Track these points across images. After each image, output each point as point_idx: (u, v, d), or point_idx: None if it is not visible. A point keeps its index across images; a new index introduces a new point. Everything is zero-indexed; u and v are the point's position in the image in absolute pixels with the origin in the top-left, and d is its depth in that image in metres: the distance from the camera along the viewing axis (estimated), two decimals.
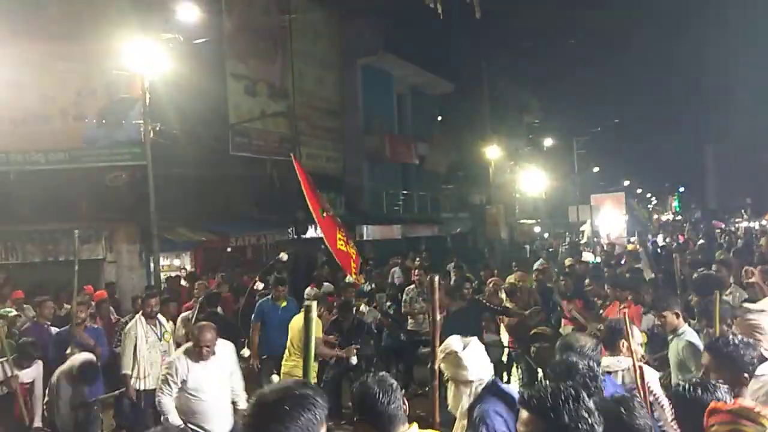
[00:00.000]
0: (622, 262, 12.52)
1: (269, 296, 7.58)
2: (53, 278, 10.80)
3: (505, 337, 9.44)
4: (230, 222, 14.94)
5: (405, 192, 24.41)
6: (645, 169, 65.50)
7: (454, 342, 3.04)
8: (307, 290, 10.04)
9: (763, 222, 32.62)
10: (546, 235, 31.78)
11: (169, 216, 12.83)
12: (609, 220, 23.63)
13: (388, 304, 9.45)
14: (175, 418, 4.73)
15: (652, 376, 3.51)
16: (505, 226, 27.79)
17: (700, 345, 4.30)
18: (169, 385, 4.78)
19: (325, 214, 8.33)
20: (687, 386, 2.59)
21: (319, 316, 6.87)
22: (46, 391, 5.83)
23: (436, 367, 2.86)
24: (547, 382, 2.70)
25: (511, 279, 9.98)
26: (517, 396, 2.98)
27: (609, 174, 51.30)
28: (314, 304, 1.92)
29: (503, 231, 27.13)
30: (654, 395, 3.26)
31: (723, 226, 30.99)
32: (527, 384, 7.54)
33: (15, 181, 12.82)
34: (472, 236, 29.07)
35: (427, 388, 3.25)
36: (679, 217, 54.02)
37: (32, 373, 5.80)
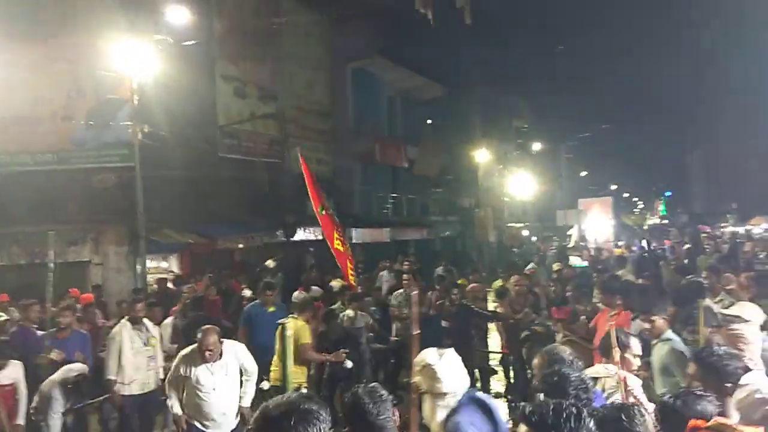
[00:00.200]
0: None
1: (257, 301, 7.54)
2: (39, 281, 10.66)
3: (493, 343, 9.47)
4: (219, 224, 14.86)
5: (394, 195, 24.43)
6: (632, 174, 65.93)
7: (429, 354, 3.01)
8: (295, 294, 9.98)
9: (748, 227, 33.00)
10: (534, 238, 31.93)
11: (156, 218, 12.75)
12: (596, 224, 23.82)
13: (372, 308, 9.42)
14: (178, 410, 5.14)
15: (635, 384, 3.55)
16: (494, 229, 27.88)
17: (685, 351, 4.34)
18: (172, 384, 5.19)
19: (324, 212, 8.35)
20: (671, 397, 2.61)
21: (307, 322, 6.85)
22: (35, 397, 5.77)
23: (413, 380, 2.86)
24: (541, 395, 2.70)
25: (498, 284, 10.02)
26: (493, 406, 2.99)
27: (597, 178, 51.63)
28: (290, 322, 1.93)
29: (492, 234, 27.21)
30: (638, 402, 3.29)
31: (709, 230, 31.30)
32: (519, 389, 7.56)
33: (1, 183, 12.68)
34: (461, 239, 29.14)
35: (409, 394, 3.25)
36: (666, 221, 54.47)
37: (10, 374, 5.71)
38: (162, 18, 12.82)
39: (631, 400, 3.18)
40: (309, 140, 20.19)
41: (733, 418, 2.80)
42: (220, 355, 5.03)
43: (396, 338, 8.71)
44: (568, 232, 25.63)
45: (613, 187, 55.06)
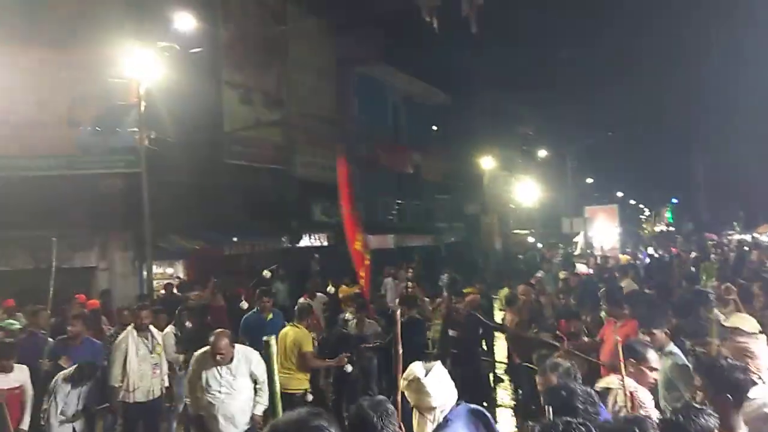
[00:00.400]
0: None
1: (255, 309, 7.54)
2: (45, 286, 10.69)
3: (498, 354, 9.43)
4: (224, 230, 14.88)
5: (399, 201, 24.42)
6: (638, 181, 65.65)
7: (416, 368, 2.96)
8: (300, 300, 10.00)
9: (755, 234, 32.82)
10: (540, 245, 31.84)
11: (163, 224, 12.77)
12: (602, 232, 23.71)
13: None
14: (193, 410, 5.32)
15: (646, 398, 3.51)
16: (499, 236, 27.85)
17: (688, 364, 4.31)
18: (189, 384, 5.36)
19: (351, 212, 8.44)
20: (673, 413, 2.59)
21: (307, 328, 6.89)
22: (44, 398, 5.78)
23: (398, 398, 2.83)
24: (549, 409, 2.67)
25: (505, 292, 9.98)
26: (488, 418, 2.95)
27: (602, 185, 51.46)
28: (272, 338, 1.92)
29: (497, 241, 27.19)
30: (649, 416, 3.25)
31: (716, 238, 31.14)
32: (526, 399, 7.52)
33: (7, 187, 12.72)
34: (466, 246, 29.09)
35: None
36: (672, 229, 54.20)
37: (17, 378, 5.73)
38: (169, 25, 12.89)
39: (642, 413, 3.15)
40: (314, 146, 20.22)
41: (741, 431, 2.77)
42: (231, 359, 5.13)
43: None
44: (574, 240, 25.53)
45: (620, 194, 54.85)
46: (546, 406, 2.73)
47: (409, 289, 9.37)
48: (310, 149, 19.92)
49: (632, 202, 61.42)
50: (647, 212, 69.49)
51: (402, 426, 2.32)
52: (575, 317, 6.93)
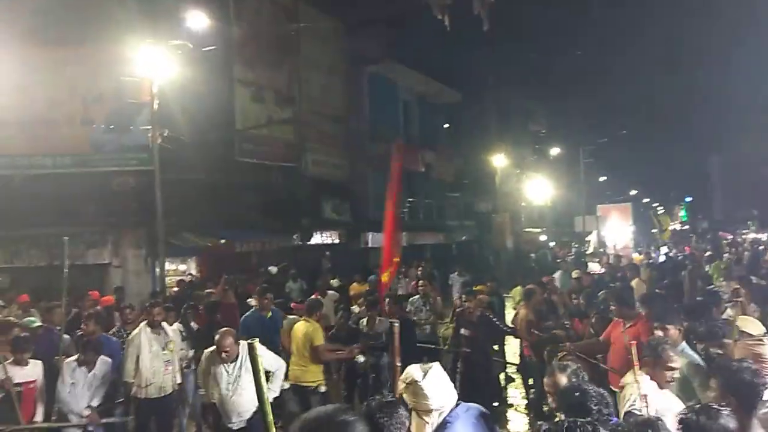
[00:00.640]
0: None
1: (254, 308, 7.56)
2: (59, 282, 10.78)
3: (510, 350, 9.38)
4: (236, 228, 14.94)
5: (410, 200, 24.37)
6: (652, 179, 65.08)
7: (414, 371, 2.94)
8: (311, 298, 10.01)
9: None
10: (552, 244, 31.68)
11: (175, 221, 12.85)
12: (615, 230, 23.53)
13: None
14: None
15: (660, 400, 3.45)
16: (511, 234, 27.73)
17: (702, 364, 4.26)
18: (202, 379, 5.58)
19: (394, 211, 8.51)
20: (691, 414, 2.56)
21: (318, 321, 6.97)
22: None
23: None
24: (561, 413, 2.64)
25: (518, 291, 9.93)
26: (483, 417, 2.93)
27: (616, 183, 51.07)
28: (256, 341, 1.93)
29: (509, 239, 27.06)
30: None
31: (730, 237, 30.83)
32: (538, 398, 7.49)
33: (21, 185, 12.86)
34: (477, 244, 29.01)
35: None
36: (686, 227, 53.73)
37: (33, 372, 5.79)
38: (181, 23, 12.95)
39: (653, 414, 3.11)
40: (325, 145, 20.26)
41: None
42: (237, 356, 5.26)
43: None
44: (587, 238, 25.38)
45: (633, 192, 54.46)
46: (558, 409, 2.70)
47: (421, 288, 9.33)
48: (321, 147, 19.96)
49: (646, 200, 60.93)
50: (661, 210, 68.96)
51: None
52: (587, 317, 6.86)
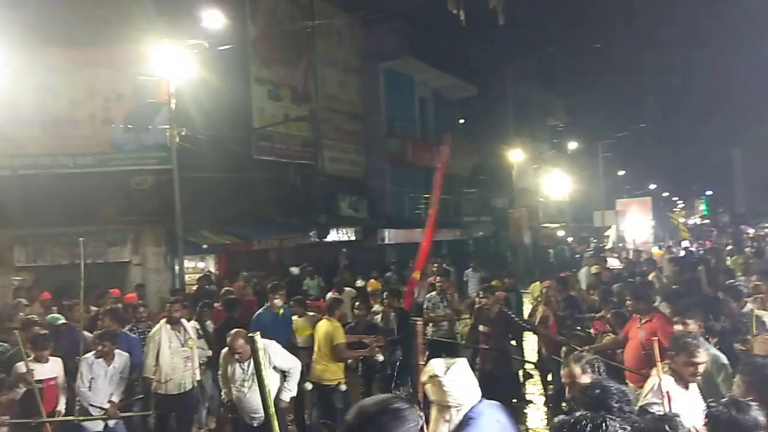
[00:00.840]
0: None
1: (266, 305, 7.60)
2: (80, 280, 10.94)
3: (528, 346, 9.33)
4: (253, 225, 15.05)
5: (427, 195, 24.31)
6: (672, 173, 64.29)
7: (436, 365, 2.91)
8: (328, 295, 10.06)
9: None
10: (570, 239, 31.42)
11: (193, 219, 12.97)
12: (635, 225, 23.26)
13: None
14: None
15: (681, 397, 3.41)
16: (528, 230, 27.54)
17: (722, 356, 4.21)
18: (221, 378, 5.71)
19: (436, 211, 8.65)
20: (720, 407, 2.52)
21: (338, 320, 7.03)
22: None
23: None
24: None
25: (536, 286, 9.87)
26: (506, 417, 2.91)
27: (635, 177, 50.46)
28: (257, 335, 1.98)
29: (526, 235, 26.89)
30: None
31: (752, 231, 30.30)
32: (556, 395, 7.46)
33: (43, 184, 13.07)
34: (494, 240, 28.87)
35: None
36: (707, 221, 52.98)
37: (53, 369, 5.90)
38: (198, 23, 13.04)
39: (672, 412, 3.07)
40: (341, 142, 20.29)
41: None
42: (250, 355, 5.18)
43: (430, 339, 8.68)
44: (606, 233, 25.13)
45: (652, 186, 53.82)
46: (578, 406, 2.67)
47: (438, 284, 9.31)
48: (337, 144, 20.00)
49: (665, 194, 60.20)
50: (681, 204, 68.02)
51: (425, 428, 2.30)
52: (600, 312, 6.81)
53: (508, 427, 2.87)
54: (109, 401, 5.91)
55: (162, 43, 11.70)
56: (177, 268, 12.51)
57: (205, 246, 13.23)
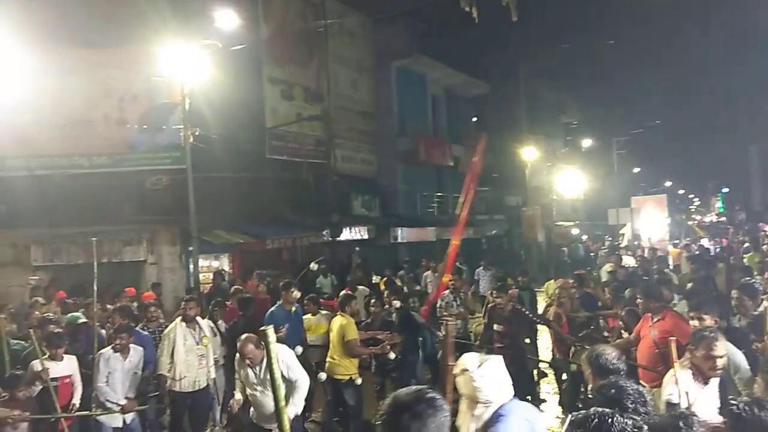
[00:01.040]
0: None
1: (279, 303, 7.63)
2: (97, 280, 11.05)
3: (542, 344, 9.28)
4: (267, 224, 15.11)
5: (439, 194, 24.28)
6: (687, 170, 63.67)
7: (469, 360, 2.90)
8: (342, 294, 10.07)
9: None
10: (584, 237, 31.19)
11: (208, 218, 13.03)
12: (650, 222, 23.04)
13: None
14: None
15: (699, 394, 3.37)
16: (542, 228, 27.38)
17: (738, 354, 4.16)
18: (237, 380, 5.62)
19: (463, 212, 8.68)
20: (743, 405, 2.49)
21: (352, 315, 7.08)
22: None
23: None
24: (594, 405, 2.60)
25: (551, 284, 9.82)
26: (535, 417, 2.89)
27: (650, 175, 50.09)
28: (270, 328, 2.02)
29: (540, 233, 26.73)
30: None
31: None
32: (570, 393, 7.41)
33: (59, 185, 13.21)
34: (508, 238, 28.75)
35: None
36: (723, 219, 52.40)
37: (68, 367, 5.98)
38: (211, 23, 13.11)
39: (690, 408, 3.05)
40: (353, 140, 20.32)
41: None
42: (262, 359, 5.16)
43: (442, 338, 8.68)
44: (621, 231, 24.91)
45: (668, 183, 53.35)
46: (593, 405, 2.65)
47: (451, 282, 9.29)
48: (350, 143, 20.02)
49: (681, 191, 59.61)
50: (696, 202, 67.32)
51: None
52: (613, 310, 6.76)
53: (537, 427, 2.85)
54: (126, 397, 5.98)
55: (176, 44, 11.77)
56: (191, 267, 12.60)
57: (224, 241, 13.31)
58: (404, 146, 21.97)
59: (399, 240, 19.87)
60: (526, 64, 28.68)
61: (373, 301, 8.10)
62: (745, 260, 12.56)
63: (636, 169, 45.40)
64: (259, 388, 5.25)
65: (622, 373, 3.28)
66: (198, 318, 6.74)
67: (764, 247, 16.31)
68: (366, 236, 18.79)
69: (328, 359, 6.88)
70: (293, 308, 7.53)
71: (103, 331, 7.14)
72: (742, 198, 63.05)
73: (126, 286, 10.47)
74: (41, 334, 6.13)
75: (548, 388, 8.86)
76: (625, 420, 1.90)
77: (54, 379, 5.68)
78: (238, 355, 5.51)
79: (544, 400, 8.41)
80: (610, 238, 27.97)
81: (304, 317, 7.73)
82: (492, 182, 27.82)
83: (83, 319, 7.32)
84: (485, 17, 10.32)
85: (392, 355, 7.16)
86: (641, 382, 4.79)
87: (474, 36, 21.10)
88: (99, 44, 13.15)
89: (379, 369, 7.86)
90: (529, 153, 26.26)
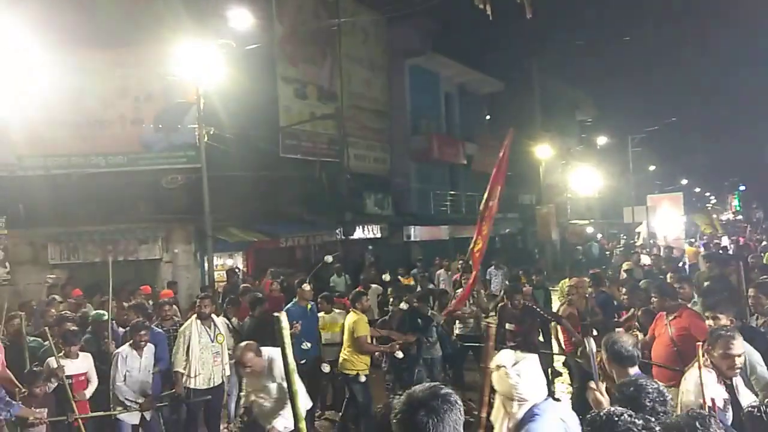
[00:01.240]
0: (683, 264, 12.01)
1: (295, 301, 7.65)
2: (113, 278, 11.15)
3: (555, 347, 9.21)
4: (280, 223, 15.17)
5: (453, 192, 24.23)
6: (703, 168, 62.88)
7: (505, 356, 2.92)
8: (354, 291, 10.10)
9: None
10: (599, 235, 30.95)
11: (222, 217, 13.13)
12: (666, 221, 22.79)
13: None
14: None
15: (717, 393, 3.33)
16: (556, 226, 27.22)
17: (755, 354, 4.11)
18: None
19: (492, 203, 8.64)
20: (762, 407, 2.46)
21: (363, 312, 7.13)
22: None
23: (483, 414, 2.79)
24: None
25: (565, 283, 9.75)
26: (570, 418, 2.87)
27: (666, 172, 49.58)
28: (283, 314, 2.06)
29: (554, 232, 26.57)
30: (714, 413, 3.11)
31: None
32: (579, 388, 7.36)
33: (76, 184, 13.37)
34: (521, 237, 28.62)
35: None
36: (740, 217, 51.76)
37: (83, 364, 6.05)
38: (225, 23, 13.18)
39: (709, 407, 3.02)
40: (367, 139, 20.32)
41: None
42: (262, 369, 5.02)
43: (458, 336, 8.68)
44: (637, 229, 24.67)
45: (684, 181, 52.79)
46: (613, 403, 2.64)
47: (463, 280, 9.26)
48: (363, 142, 20.03)
49: (697, 189, 58.97)
50: (713, 200, 66.54)
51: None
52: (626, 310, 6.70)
53: (572, 427, 2.84)
54: (143, 395, 6.04)
55: (190, 43, 11.86)
56: (206, 265, 12.68)
57: (238, 239, 13.39)
58: (417, 144, 21.94)
59: (412, 238, 19.85)
60: (540, 61, 28.52)
61: (391, 300, 8.12)
62: (763, 259, 12.39)
63: (652, 167, 44.96)
64: (260, 391, 5.08)
65: (636, 361, 3.28)
66: (213, 315, 6.79)
67: None
68: (379, 235, 18.79)
69: (341, 354, 6.98)
70: (309, 305, 7.56)
71: (121, 329, 7.21)
72: (759, 196, 62.18)
73: (141, 284, 10.56)
74: (58, 332, 6.20)
75: (563, 387, 8.82)
76: (634, 420, 1.89)
77: (69, 377, 5.75)
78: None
79: (558, 399, 8.37)
80: (625, 237, 27.74)
81: (318, 315, 7.76)
82: (506, 180, 27.67)
83: (106, 317, 7.41)
84: (499, 14, 10.26)
85: (400, 354, 7.16)
86: (656, 380, 4.73)
87: (487, 33, 21.03)
88: (114, 44, 13.28)
89: (390, 367, 7.87)
90: (543, 151, 26.12)
